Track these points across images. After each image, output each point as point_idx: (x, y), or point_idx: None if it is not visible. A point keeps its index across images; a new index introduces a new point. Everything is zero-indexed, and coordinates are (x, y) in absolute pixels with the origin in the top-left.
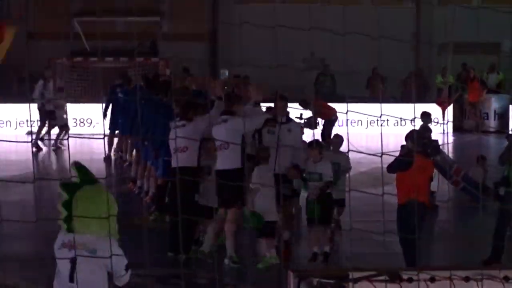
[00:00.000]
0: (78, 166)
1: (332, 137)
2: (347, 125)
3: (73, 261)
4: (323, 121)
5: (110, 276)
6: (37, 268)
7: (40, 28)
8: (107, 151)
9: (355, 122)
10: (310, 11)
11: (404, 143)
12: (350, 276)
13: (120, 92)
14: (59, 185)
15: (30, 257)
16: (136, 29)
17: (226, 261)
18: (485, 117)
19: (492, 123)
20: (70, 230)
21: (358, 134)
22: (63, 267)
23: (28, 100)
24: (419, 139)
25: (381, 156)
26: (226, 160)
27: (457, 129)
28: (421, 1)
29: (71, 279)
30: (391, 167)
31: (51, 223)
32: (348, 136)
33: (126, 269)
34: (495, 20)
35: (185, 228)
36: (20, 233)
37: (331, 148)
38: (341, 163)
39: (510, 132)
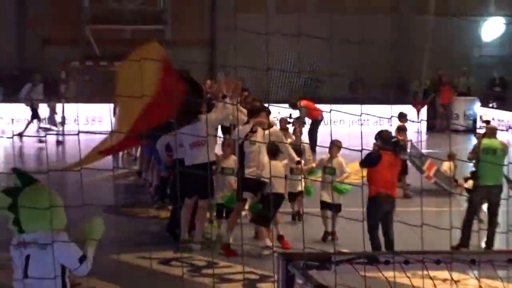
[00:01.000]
0: (17, 171)
1: (332, 142)
2: (330, 124)
3: (27, 258)
4: (310, 120)
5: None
6: None
7: (54, 35)
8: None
9: (338, 121)
10: (300, 20)
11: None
12: (333, 259)
13: None
14: (2, 193)
15: None
16: (141, 36)
17: (193, 245)
18: (455, 117)
19: (462, 123)
20: (21, 231)
21: (341, 132)
22: (19, 264)
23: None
24: (388, 138)
25: (361, 151)
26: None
27: (430, 128)
28: (400, 11)
29: (26, 275)
30: (363, 162)
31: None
32: (331, 134)
33: (80, 261)
34: (466, 29)
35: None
36: None
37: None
38: (337, 169)
39: (478, 131)
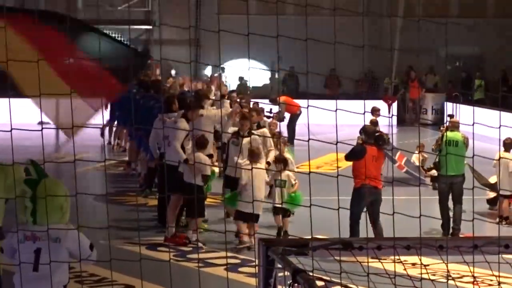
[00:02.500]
0: (35, 163)
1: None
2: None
3: (37, 252)
4: (289, 115)
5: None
6: None
7: None
8: (107, 139)
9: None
10: (279, 22)
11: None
12: (310, 245)
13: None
14: (23, 183)
15: None
16: (131, 36)
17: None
18: (424, 112)
19: (430, 117)
20: (35, 222)
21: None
22: (26, 259)
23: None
24: (372, 133)
25: (336, 144)
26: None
27: (400, 122)
28: (373, 13)
29: (35, 269)
30: (348, 156)
31: None
32: (308, 126)
33: (91, 248)
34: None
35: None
36: None
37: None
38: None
39: (443, 126)
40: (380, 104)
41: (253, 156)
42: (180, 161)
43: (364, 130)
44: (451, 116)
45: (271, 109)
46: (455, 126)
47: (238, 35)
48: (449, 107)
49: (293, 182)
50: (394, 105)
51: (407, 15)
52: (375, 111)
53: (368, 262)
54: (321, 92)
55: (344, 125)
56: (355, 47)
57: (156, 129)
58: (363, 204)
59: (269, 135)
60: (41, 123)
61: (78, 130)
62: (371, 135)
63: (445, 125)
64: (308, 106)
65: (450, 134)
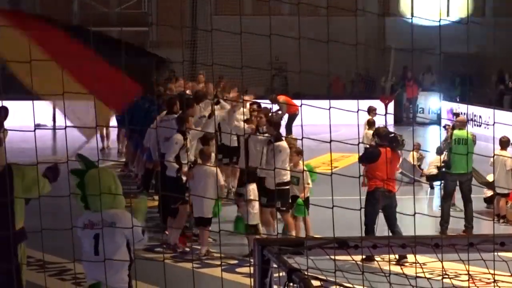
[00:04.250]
0: (81, 155)
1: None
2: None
3: (96, 237)
4: (287, 115)
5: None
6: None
7: None
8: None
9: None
10: (275, 22)
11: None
12: (305, 244)
13: None
14: (70, 173)
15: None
16: (127, 38)
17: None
18: (421, 111)
19: (427, 116)
20: (87, 207)
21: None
22: (88, 244)
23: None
24: (386, 135)
25: (330, 143)
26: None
27: (396, 121)
28: (369, 13)
29: (96, 252)
30: (362, 159)
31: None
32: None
33: (143, 233)
34: (430, 29)
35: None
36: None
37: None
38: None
39: (447, 124)
40: (377, 104)
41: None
42: (176, 172)
43: (377, 133)
44: (457, 114)
45: (270, 109)
46: (463, 124)
47: (237, 38)
48: (446, 106)
49: (306, 185)
50: (391, 104)
51: (403, 15)
52: (371, 111)
53: (362, 261)
54: (315, 93)
55: (340, 125)
56: (351, 46)
57: (156, 131)
58: (377, 208)
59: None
60: (36, 125)
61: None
62: (385, 137)
63: (450, 124)
64: (301, 105)
65: (458, 132)
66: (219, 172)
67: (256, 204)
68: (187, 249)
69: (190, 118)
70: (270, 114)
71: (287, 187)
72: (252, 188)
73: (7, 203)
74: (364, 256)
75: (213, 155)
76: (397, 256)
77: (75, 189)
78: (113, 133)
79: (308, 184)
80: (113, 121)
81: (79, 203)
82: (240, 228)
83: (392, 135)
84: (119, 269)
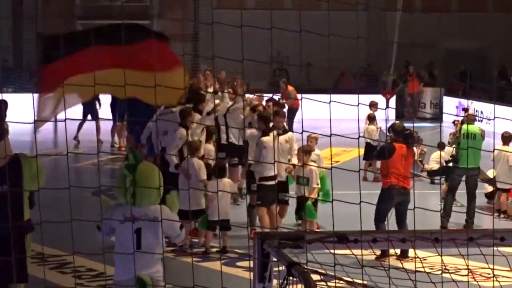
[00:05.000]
0: (132, 150)
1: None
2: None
3: (138, 231)
4: (287, 108)
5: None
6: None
7: (48, 30)
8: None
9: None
10: (277, 16)
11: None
12: (305, 238)
13: None
14: (123, 168)
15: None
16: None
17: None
18: (423, 106)
19: (428, 111)
20: (135, 203)
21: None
22: (127, 238)
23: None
24: (401, 131)
25: (330, 136)
26: None
27: (398, 116)
28: (370, 7)
29: (139, 247)
30: (377, 155)
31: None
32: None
33: (181, 228)
34: (432, 24)
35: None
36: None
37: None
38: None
39: (457, 120)
40: (379, 99)
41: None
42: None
43: (392, 128)
44: (466, 110)
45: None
46: (471, 120)
47: (238, 31)
48: (447, 101)
49: (315, 185)
50: (393, 99)
51: (406, 9)
52: (372, 105)
53: (362, 255)
54: (317, 87)
55: (342, 120)
56: (354, 40)
57: (156, 124)
58: (391, 205)
59: (294, 139)
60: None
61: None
62: (400, 133)
63: (459, 119)
64: (301, 98)
65: (468, 127)
66: (202, 167)
67: (215, 200)
68: (196, 240)
69: (194, 113)
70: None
71: (270, 182)
72: (223, 184)
73: (18, 193)
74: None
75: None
76: (398, 251)
77: (127, 184)
78: (104, 126)
79: (317, 184)
80: (105, 113)
81: (128, 199)
82: (201, 225)
83: (408, 131)
84: (158, 263)
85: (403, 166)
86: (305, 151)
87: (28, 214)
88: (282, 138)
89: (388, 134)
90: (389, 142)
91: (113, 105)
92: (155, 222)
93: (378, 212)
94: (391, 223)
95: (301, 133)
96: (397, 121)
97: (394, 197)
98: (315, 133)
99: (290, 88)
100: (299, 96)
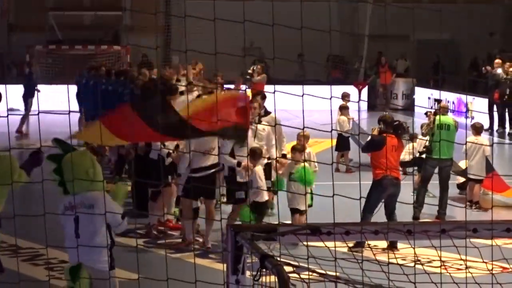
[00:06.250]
0: (57, 140)
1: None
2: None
3: (76, 220)
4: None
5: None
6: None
7: (19, 21)
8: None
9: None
10: (249, 6)
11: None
12: (278, 230)
13: (87, 78)
14: (46, 158)
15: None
16: (101, 22)
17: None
18: (394, 97)
19: (400, 102)
20: (66, 192)
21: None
22: (69, 227)
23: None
24: (391, 122)
25: (303, 129)
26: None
27: (370, 107)
28: None
29: (77, 235)
30: (367, 147)
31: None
32: (275, 112)
33: (123, 218)
34: (404, 15)
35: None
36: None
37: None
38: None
39: (430, 111)
40: (351, 90)
41: (255, 156)
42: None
43: (382, 120)
44: (439, 101)
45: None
46: (445, 110)
47: (209, 23)
48: (419, 92)
49: (315, 169)
50: (365, 90)
51: (378, 0)
52: (345, 97)
53: (335, 247)
54: (288, 78)
55: (314, 111)
56: (324, 32)
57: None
58: (383, 196)
59: (279, 121)
60: (9, 109)
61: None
62: (389, 124)
63: (432, 110)
64: (274, 91)
65: (442, 118)
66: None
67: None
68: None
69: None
70: None
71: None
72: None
73: None
74: (353, 244)
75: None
76: (385, 244)
77: (52, 174)
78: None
79: (316, 167)
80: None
81: (58, 187)
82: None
83: (397, 122)
84: (99, 251)
85: (393, 157)
86: (299, 150)
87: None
88: (260, 126)
89: (378, 125)
90: (379, 134)
91: (78, 96)
92: (91, 209)
93: (369, 203)
94: (380, 215)
95: (274, 126)
96: (386, 113)
97: (387, 187)
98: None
99: (259, 77)
100: (270, 87)
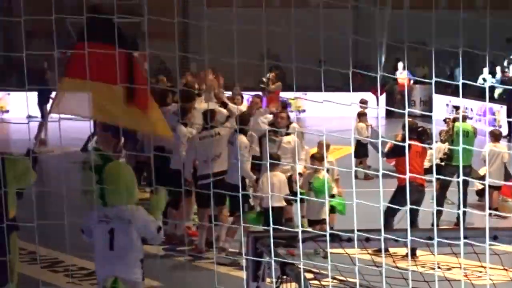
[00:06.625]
0: (97, 149)
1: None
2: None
3: (111, 232)
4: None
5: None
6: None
7: (37, 28)
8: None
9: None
10: (266, 14)
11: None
12: (298, 237)
13: None
14: (88, 169)
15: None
16: (119, 29)
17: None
18: (412, 104)
19: (418, 108)
20: (105, 204)
21: (306, 117)
22: (102, 239)
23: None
24: (415, 128)
25: (323, 136)
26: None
27: (388, 113)
28: (359, 5)
29: (112, 247)
30: (392, 153)
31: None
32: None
33: (158, 231)
34: (422, 22)
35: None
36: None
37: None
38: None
39: (449, 118)
40: (369, 96)
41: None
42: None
43: (405, 125)
44: (457, 108)
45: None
46: (464, 117)
47: (229, 31)
48: (438, 99)
49: (336, 176)
50: (382, 97)
51: (395, 7)
52: (363, 103)
53: (356, 254)
54: (307, 85)
55: (334, 118)
56: (343, 38)
57: None
58: (406, 203)
59: (303, 131)
60: (28, 117)
61: None
62: (414, 130)
63: (450, 117)
64: (295, 98)
65: (460, 124)
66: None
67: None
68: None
69: (193, 110)
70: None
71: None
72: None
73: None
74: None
75: None
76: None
77: (91, 185)
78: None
79: (338, 175)
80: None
81: (97, 200)
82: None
83: (421, 128)
84: (134, 263)
85: (418, 163)
86: (318, 158)
87: (14, 213)
88: (286, 139)
89: (402, 131)
90: (403, 140)
91: None
92: (128, 223)
93: (391, 207)
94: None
95: (295, 133)
96: (410, 119)
97: (411, 194)
98: (308, 132)
99: (274, 85)
100: (292, 94)
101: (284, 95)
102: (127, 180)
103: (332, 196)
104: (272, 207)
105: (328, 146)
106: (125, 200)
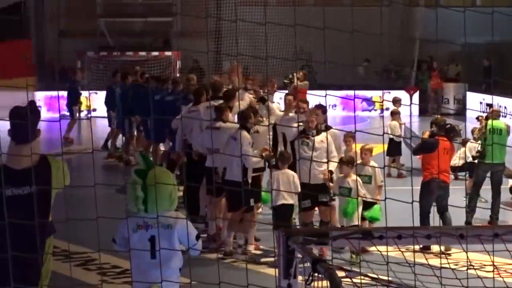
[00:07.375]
0: (143, 154)
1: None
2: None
3: (152, 239)
4: None
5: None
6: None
7: (70, 27)
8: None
9: (334, 106)
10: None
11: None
12: (330, 235)
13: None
14: (133, 173)
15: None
16: (151, 28)
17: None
18: (446, 102)
19: (452, 106)
20: (146, 211)
21: (336, 116)
22: (142, 247)
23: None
24: (444, 125)
25: (354, 132)
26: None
27: (422, 112)
28: (393, 3)
29: (153, 255)
30: (420, 149)
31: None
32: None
33: (197, 238)
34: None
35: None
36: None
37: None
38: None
39: (482, 116)
40: (402, 95)
41: (283, 159)
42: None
43: (435, 123)
44: (491, 105)
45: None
46: (497, 115)
47: (261, 28)
48: (471, 97)
49: (380, 183)
50: (416, 95)
51: (428, 4)
52: (396, 102)
53: (387, 252)
54: (339, 83)
55: (366, 116)
56: (376, 36)
57: (182, 121)
58: (432, 199)
59: (338, 137)
60: (61, 115)
61: None
62: (442, 127)
63: (483, 115)
64: (326, 95)
65: (494, 122)
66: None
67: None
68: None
69: (227, 109)
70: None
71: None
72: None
73: (47, 196)
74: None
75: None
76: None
77: (137, 191)
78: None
79: (381, 182)
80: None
81: (139, 206)
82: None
83: (449, 125)
84: (174, 270)
85: (444, 160)
86: (348, 161)
87: (50, 216)
88: (318, 138)
89: (431, 128)
90: (431, 137)
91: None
92: (169, 229)
93: (422, 209)
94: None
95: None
96: (438, 116)
97: (434, 190)
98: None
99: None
100: (323, 92)
101: (366, 93)
102: (169, 188)
103: (367, 204)
104: (280, 205)
105: (371, 150)
106: (167, 206)
